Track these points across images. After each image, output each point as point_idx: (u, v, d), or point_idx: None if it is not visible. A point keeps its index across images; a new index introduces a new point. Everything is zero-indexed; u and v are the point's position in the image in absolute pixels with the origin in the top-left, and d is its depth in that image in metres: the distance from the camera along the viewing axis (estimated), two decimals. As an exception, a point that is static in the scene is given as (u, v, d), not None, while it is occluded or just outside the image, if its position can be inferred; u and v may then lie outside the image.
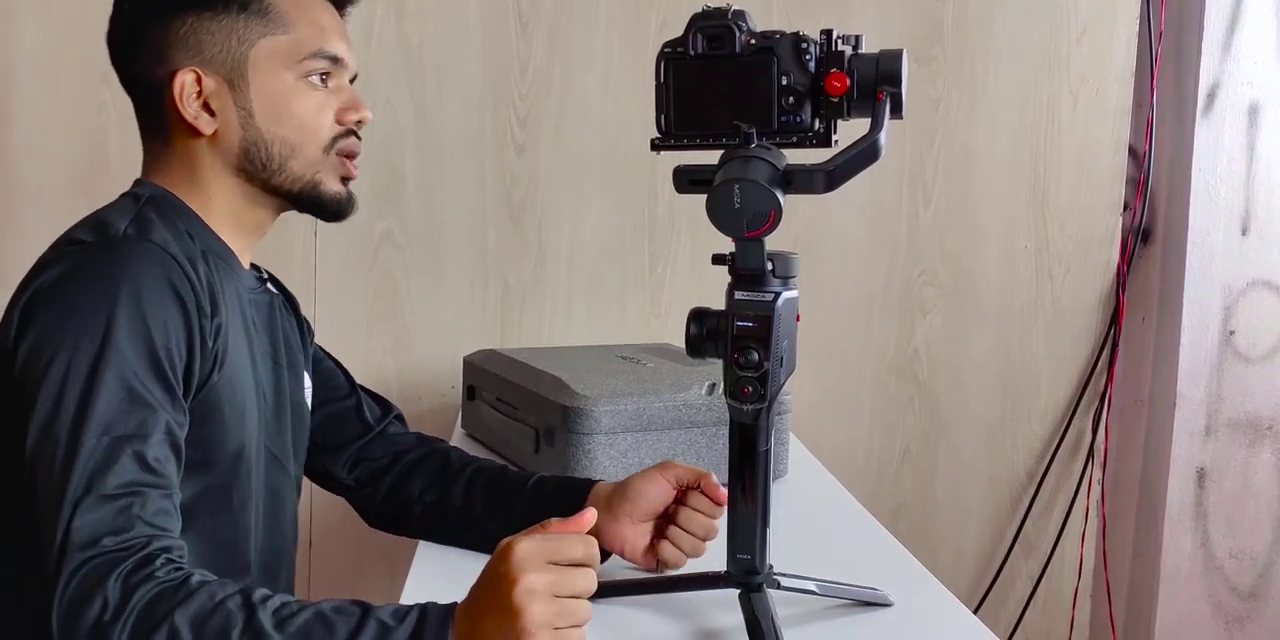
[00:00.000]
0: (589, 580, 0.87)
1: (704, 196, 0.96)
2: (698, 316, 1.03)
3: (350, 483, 1.36)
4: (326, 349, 1.40)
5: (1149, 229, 2.31)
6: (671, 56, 1.00)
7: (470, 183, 2.12)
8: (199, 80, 1.12)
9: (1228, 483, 2.27)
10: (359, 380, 1.40)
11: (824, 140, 0.99)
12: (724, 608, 1.08)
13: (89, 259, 1.01)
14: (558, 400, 1.51)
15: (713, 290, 1.07)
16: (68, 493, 0.89)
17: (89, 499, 0.89)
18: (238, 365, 1.11)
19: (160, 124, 1.16)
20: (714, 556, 1.08)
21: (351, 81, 1.22)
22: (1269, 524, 2.29)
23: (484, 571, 0.88)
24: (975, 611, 2.15)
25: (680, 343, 1.06)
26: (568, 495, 1.25)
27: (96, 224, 1.05)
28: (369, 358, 2.10)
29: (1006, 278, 2.29)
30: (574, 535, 0.88)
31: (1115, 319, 2.30)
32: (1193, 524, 2.27)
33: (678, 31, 1.01)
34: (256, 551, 1.17)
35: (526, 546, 0.86)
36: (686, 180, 1.01)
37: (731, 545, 1.06)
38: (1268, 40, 2.20)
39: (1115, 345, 2.31)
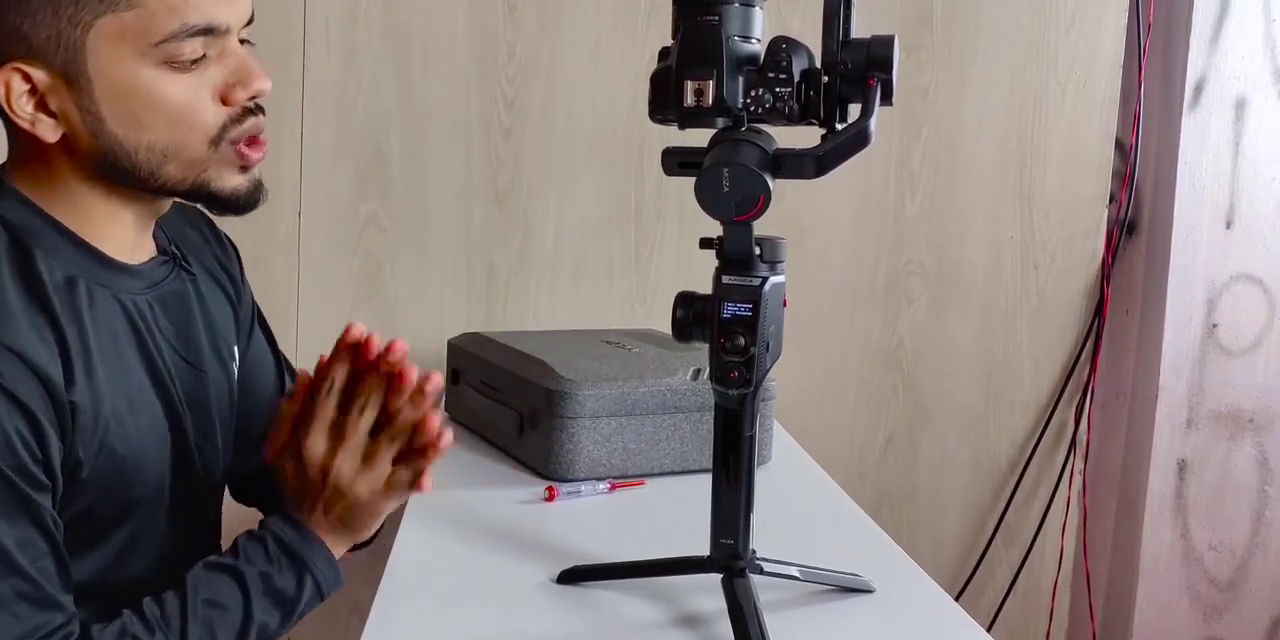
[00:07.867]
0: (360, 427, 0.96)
1: (692, 179, 0.96)
2: (685, 300, 1.03)
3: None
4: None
5: (1134, 221, 2.32)
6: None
7: (456, 165, 2.10)
8: (26, 78, 0.90)
9: (1208, 475, 2.28)
10: None
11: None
12: (706, 592, 1.08)
13: None
14: (542, 383, 1.51)
15: (699, 277, 1.07)
16: None
17: None
18: (122, 412, 0.96)
19: (8, 123, 0.94)
20: (697, 541, 1.08)
21: (246, 35, 0.97)
22: (1248, 516, 2.30)
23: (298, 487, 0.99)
24: (956, 599, 2.15)
25: (666, 329, 1.06)
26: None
27: None
28: (352, 341, 2.08)
29: (992, 268, 2.29)
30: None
31: (1099, 311, 2.31)
32: (1173, 516, 2.28)
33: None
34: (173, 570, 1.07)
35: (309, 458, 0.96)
36: (675, 162, 1.00)
37: (715, 530, 1.06)
38: (1255, 34, 2.20)
39: (1099, 337, 2.31)
